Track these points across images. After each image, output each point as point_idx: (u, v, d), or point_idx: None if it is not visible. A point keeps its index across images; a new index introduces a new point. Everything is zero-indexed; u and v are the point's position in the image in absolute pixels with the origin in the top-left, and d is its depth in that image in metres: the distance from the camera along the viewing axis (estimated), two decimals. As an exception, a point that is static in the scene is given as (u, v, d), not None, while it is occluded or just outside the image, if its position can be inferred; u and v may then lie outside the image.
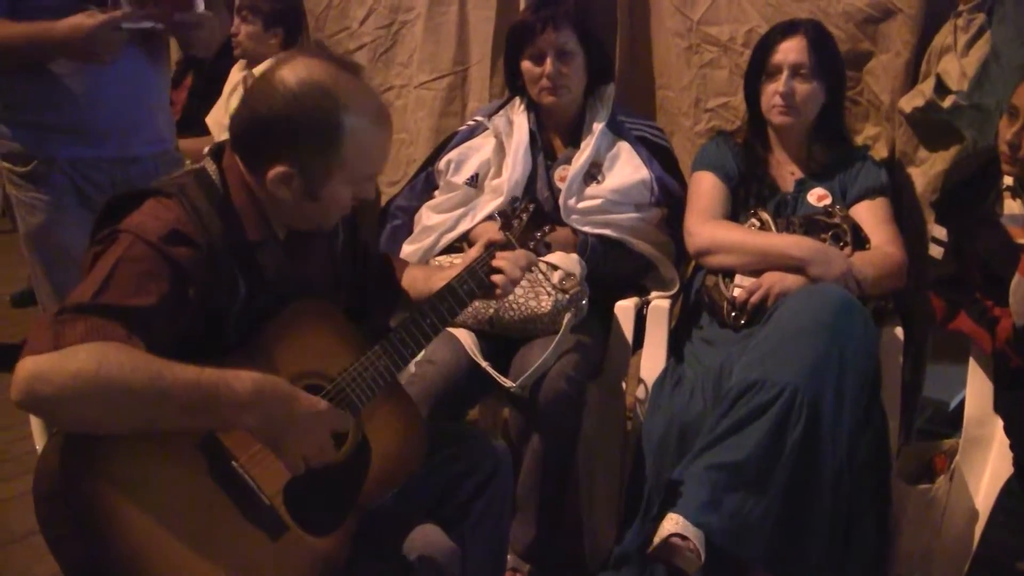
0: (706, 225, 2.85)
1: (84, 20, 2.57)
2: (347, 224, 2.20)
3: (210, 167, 1.94)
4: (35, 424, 2.19)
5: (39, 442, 2.16)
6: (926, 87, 2.86)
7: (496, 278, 2.22)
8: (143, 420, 1.66)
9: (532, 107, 3.06)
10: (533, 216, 2.36)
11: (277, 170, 1.85)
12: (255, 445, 1.80)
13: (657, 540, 2.27)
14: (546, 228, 2.40)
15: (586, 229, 2.92)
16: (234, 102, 4.04)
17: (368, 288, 2.29)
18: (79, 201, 2.83)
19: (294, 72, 1.84)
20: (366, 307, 2.20)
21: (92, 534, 1.62)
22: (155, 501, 1.68)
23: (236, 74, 4.18)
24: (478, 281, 2.20)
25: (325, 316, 2.02)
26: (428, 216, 3.04)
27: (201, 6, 2.76)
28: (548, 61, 2.91)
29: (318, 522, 1.90)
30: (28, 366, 1.62)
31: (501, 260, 2.24)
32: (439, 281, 2.20)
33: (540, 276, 2.71)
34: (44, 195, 2.80)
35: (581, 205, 2.93)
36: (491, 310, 2.76)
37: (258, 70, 3.94)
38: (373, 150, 1.94)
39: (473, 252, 2.27)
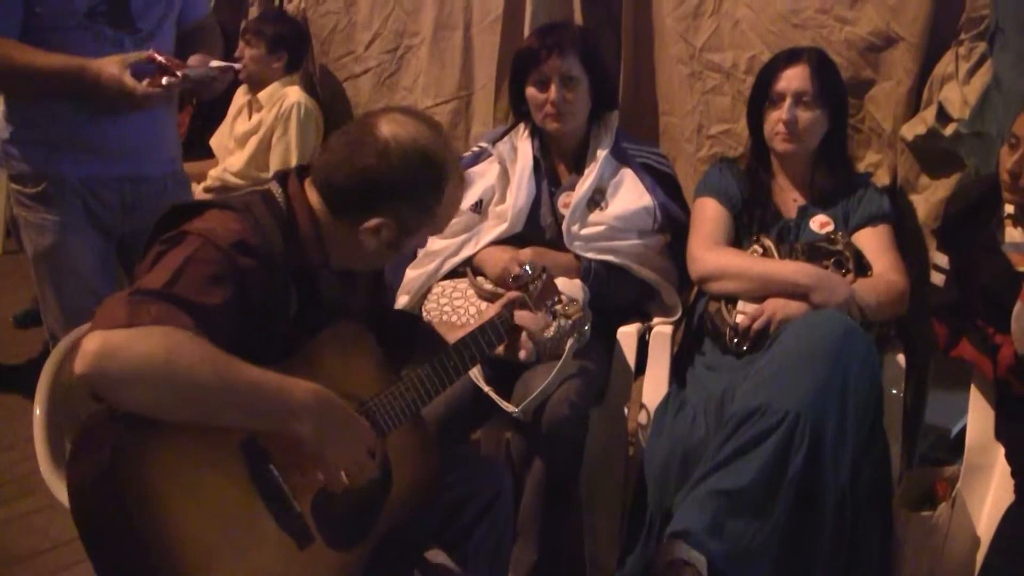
0: (709, 251, 2.86)
1: (127, 80, 2.61)
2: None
3: (276, 190, 1.99)
4: (39, 444, 2.19)
5: (43, 463, 2.17)
6: (928, 115, 2.88)
7: (522, 354, 2.33)
8: (202, 412, 1.68)
9: (536, 133, 3.07)
10: (547, 283, 2.44)
11: (376, 222, 1.93)
12: (292, 453, 1.82)
13: (659, 563, 2.27)
14: (556, 298, 2.46)
15: (589, 255, 2.93)
16: (239, 125, 4.08)
17: (388, 329, 2.30)
18: (88, 221, 2.84)
19: (403, 131, 1.93)
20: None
21: (137, 517, 1.62)
22: (197, 494, 1.70)
23: (240, 97, 4.20)
24: (497, 335, 2.28)
25: (360, 341, 2.08)
26: (432, 241, 3.03)
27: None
28: (553, 87, 2.92)
29: (340, 538, 1.93)
30: (99, 340, 1.62)
31: (525, 321, 2.33)
32: (457, 336, 2.25)
33: (544, 302, 2.73)
34: (54, 216, 2.81)
35: (584, 231, 2.94)
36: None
37: (263, 95, 4.00)
38: (456, 206, 2.07)
39: (492, 311, 2.34)
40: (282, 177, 2.03)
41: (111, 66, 2.62)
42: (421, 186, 1.95)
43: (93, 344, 1.61)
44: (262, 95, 4.05)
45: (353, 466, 1.86)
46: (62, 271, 2.86)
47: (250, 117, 4.13)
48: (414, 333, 2.40)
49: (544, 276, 2.42)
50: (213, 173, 4.07)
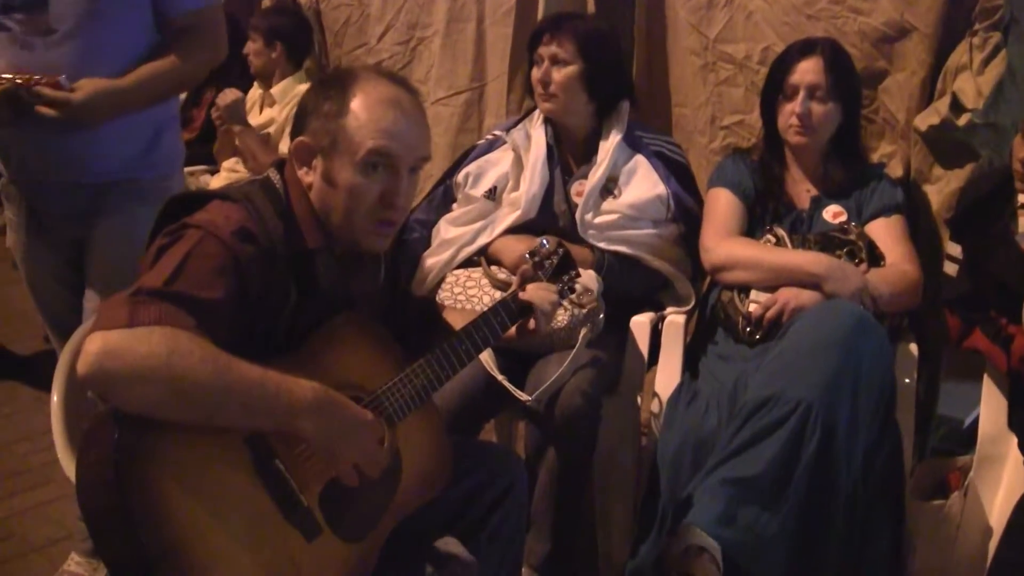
0: (722, 241, 2.86)
1: None
2: (387, 265, 2.22)
3: (274, 177, 2.01)
4: (57, 433, 2.21)
5: (62, 452, 2.18)
6: (941, 105, 2.88)
7: (530, 324, 2.32)
8: (204, 411, 1.69)
9: (549, 120, 3.07)
10: (562, 260, 2.42)
11: (296, 140, 1.96)
12: (298, 446, 1.83)
13: (674, 550, 2.27)
14: (572, 272, 2.45)
15: (602, 245, 2.93)
16: (251, 119, 4.09)
17: (407, 328, 2.30)
18: (37, 222, 2.75)
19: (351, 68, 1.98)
20: (403, 343, 2.20)
21: (140, 517, 1.63)
22: (201, 491, 1.70)
23: (254, 92, 4.22)
24: (510, 314, 2.27)
25: (368, 331, 2.07)
26: (446, 229, 3.06)
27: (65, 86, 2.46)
28: (544, 67, 2.95)
29: (350, 528, 1.93)
30: (99, 341, 1.63)
31: (532, 294, 2.31)
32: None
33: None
34: (11, 214, 2.78)
35: (598, 220, 2.94)
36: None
37: (276, 90, 4.02)
38: (373, 123, 1.92)
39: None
40: (280, 164, 2.05)
41: None
42: (325, 93, 1.96)
43: (94, 345, 1.63)
44: (275, 90, 4.06)
45: (364, 459, 1.87)
46: (26, 268, 2.83)
47: (261, 111, 4.14)
48: (433, 319, 2.39)
49: (560, 251, 2.42)
50: (226, 164, 4.09)
